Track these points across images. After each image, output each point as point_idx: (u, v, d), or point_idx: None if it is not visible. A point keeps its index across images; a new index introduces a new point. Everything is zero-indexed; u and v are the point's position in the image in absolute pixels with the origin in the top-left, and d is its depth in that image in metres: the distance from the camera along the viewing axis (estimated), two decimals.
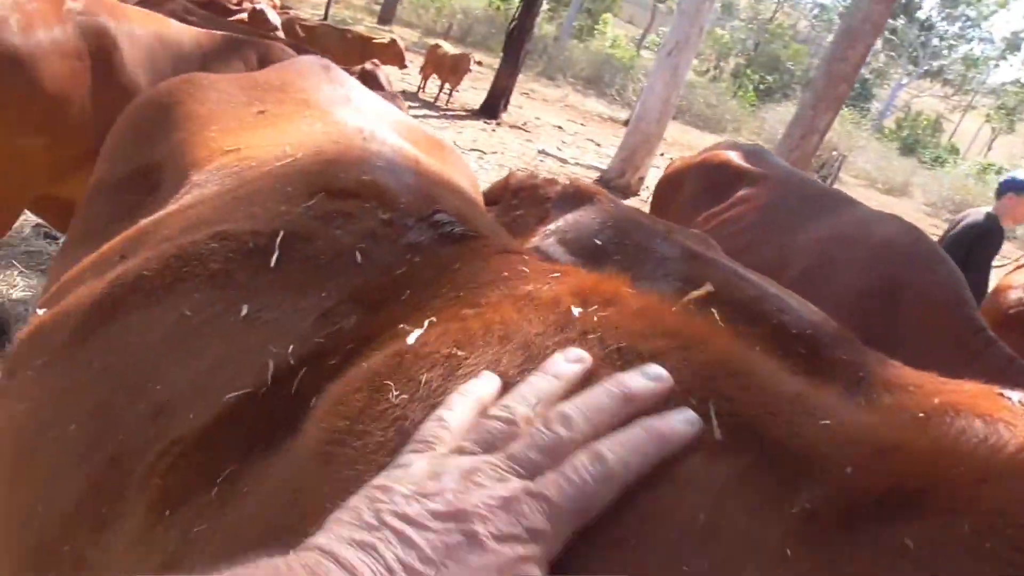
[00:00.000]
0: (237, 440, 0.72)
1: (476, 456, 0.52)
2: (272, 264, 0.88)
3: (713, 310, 0.73)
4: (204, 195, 1.10)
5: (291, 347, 0.76)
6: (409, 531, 0.46)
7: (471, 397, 0.58)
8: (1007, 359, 2.47)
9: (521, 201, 2.15)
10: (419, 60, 14.01)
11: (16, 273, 4.04)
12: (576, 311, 0.65)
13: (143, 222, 1.11)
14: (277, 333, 0.80)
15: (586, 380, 0.58)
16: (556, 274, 0.74)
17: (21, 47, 2.70)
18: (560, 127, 15.24)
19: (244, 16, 6.69)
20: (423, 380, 0.63)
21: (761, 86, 34.94)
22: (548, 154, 11.74)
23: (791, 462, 0.51)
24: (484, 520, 0.47)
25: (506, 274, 0.76)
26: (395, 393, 0.62)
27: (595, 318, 0.64)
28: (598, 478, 0.50)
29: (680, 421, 0.53)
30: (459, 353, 0.64)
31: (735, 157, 3.93)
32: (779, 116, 25.56)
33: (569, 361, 0.59)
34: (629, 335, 0.61)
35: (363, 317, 0.77)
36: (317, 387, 0.70)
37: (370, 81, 4.23)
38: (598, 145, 14.49)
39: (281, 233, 0.91)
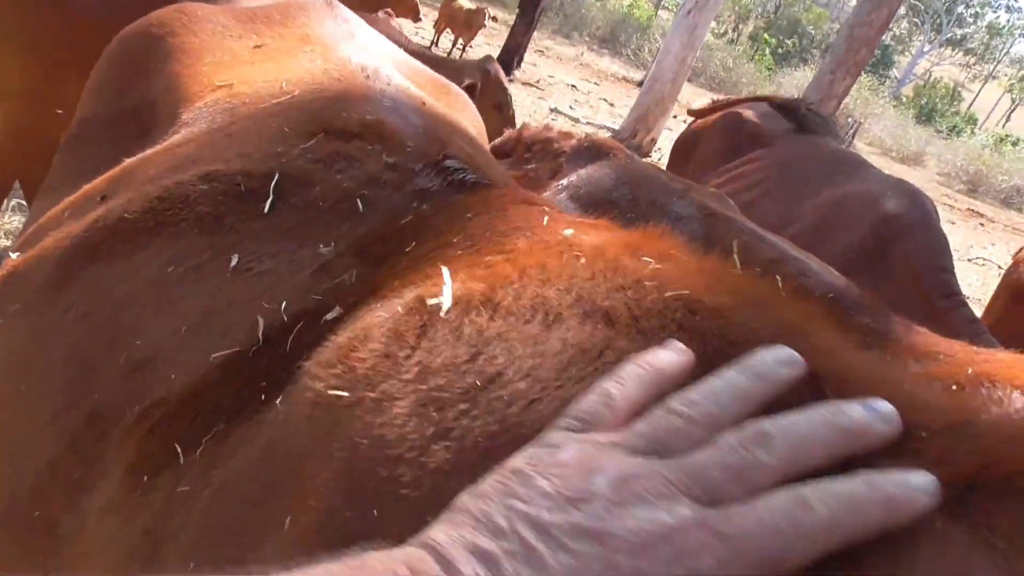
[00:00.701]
0: (224, 403, 0.65)
1: (644, 459, 0.41)
2: (265, 210, 0.80)
3: (777, 277, 0.66)
4: (193, 133, 1.01)
5: (284, 303, 0.68)
6: (542, 548, 0.37)
7: (649, 372, 0.46)
8: (968, 320, 2.62)
9: (534, 155, 2.06)
10: (433, 14, 13.72)
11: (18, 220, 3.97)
12: (629, 262, 0.58)
13: (127, 161, 1.02)
14: (270, 286, 0.73)
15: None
16: (587, 224, 0.66)
17: None
18: (573, 86, 14.97)
19: None
20: (450, 331, 0.55)
21: (779, 50, 34.29)
22: (560, 112, 11.54)
23: None
24: (635, 554, 0.36)
25: (528, 223, 0.68)
26: (408, 350, 0.55)
27: (649, 269, 0.57)
28: (799, 530, 0.38)
29: (918, 489, 0.39)
30: (495, 298, 0.56)
31: (752, 116, 3.84)
32: (796, 81, 25.13)
33: (779, 363, 0.46)
34: (693, 288, 0.54)
35: (365, 270, 0.69)
36: (315, 343, 0.63)
37: (380, 28, 4.12)
38: (611, 105, 14.26)
39: (276, 176, 0.83)
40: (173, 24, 1.44)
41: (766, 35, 35.17)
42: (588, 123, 11.63)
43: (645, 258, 0.58)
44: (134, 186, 0.93)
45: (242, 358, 0.67)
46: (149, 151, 1.02)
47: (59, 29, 2.77)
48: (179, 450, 0.66)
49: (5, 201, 4.16)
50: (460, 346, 0.53)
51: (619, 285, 0.55)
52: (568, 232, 0.64)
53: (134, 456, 0.68)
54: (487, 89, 4.28)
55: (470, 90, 4.00)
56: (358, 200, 0.78)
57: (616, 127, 11.39)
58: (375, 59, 1.33)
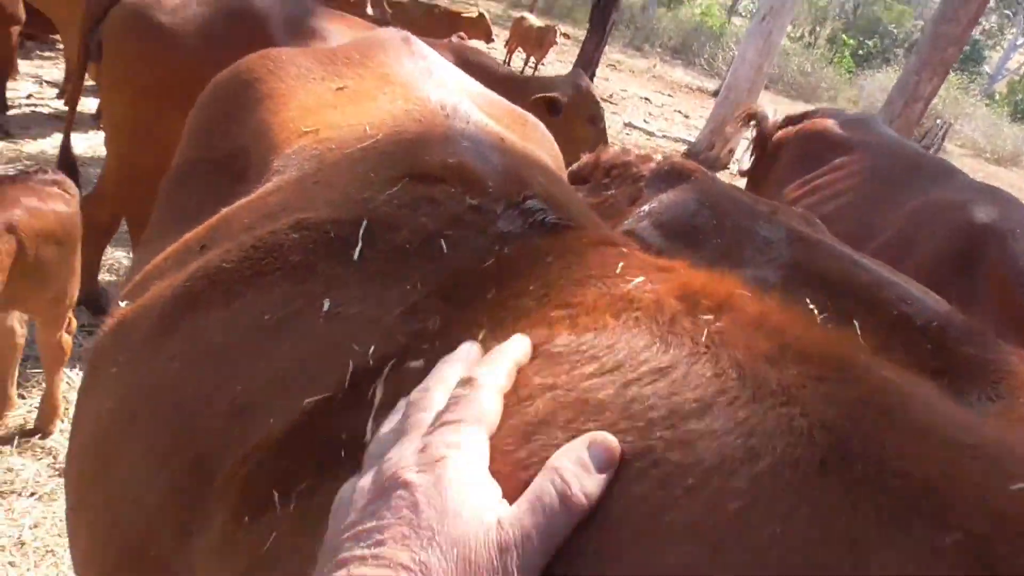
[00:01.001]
0: (312, 449, 0.67)
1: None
2: (355, 256, 0.82)
3: (855, 322, 0.62)
4: (283, 181, 1.05)
5: (372, 347, 0.70)
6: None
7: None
8: None
9: (613, 180, 2.04)
10: (504, 33, 13.87)
11: (122, 256, 4.18)
12: (686, 322, 0.56)
13: (224, 210, 1.07)
14: (359, 330, 0.74)
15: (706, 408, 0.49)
16: (658, 270, 0.65)
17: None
18: (647, 99, 14.87)
19: None
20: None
21: (860, 51, 33.23)
22: (634, 127, 11.47)
23: (941, 502, 0.43)
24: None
25: (602, 270, 0.67)
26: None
27: (707, 331, 0.55)
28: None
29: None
30: (538, 379, 0.57)
31: (834, 125, 3.73)
32: (879, 83, 24.29)
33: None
34: (752, 358, 0.52)
35: (448, 315, 0.70)
36: (397, 391, 0.64)
37: (470, 54, 4.19)
38: (686, 117, 14.09)
39: (364, 223, 0.85)
40: (259, 70, 1.50)
41: (845, 36, 34.15)
42: (663, 136, 11.52)
43: (705, 315, 0.57)
44: (231, 235, 0.97)
45: (330, 404, 0.69)
46: (244, 200, 1.06)
47: (164, 73, 2.94)
48: (276, 497, 0.67)
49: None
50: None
51: (673, 362, 0.53)
52: (636, 282, 0.64)
53: (236, 499, 0.70)
54: (580, 103, 4.27)
55: (556, 105, 4.00)
56: (441, 241, 0.79)
57: (692, 139, 11.24)
58: (453, 96, 1.36)
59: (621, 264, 0.68)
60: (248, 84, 1.47)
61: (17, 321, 2.68)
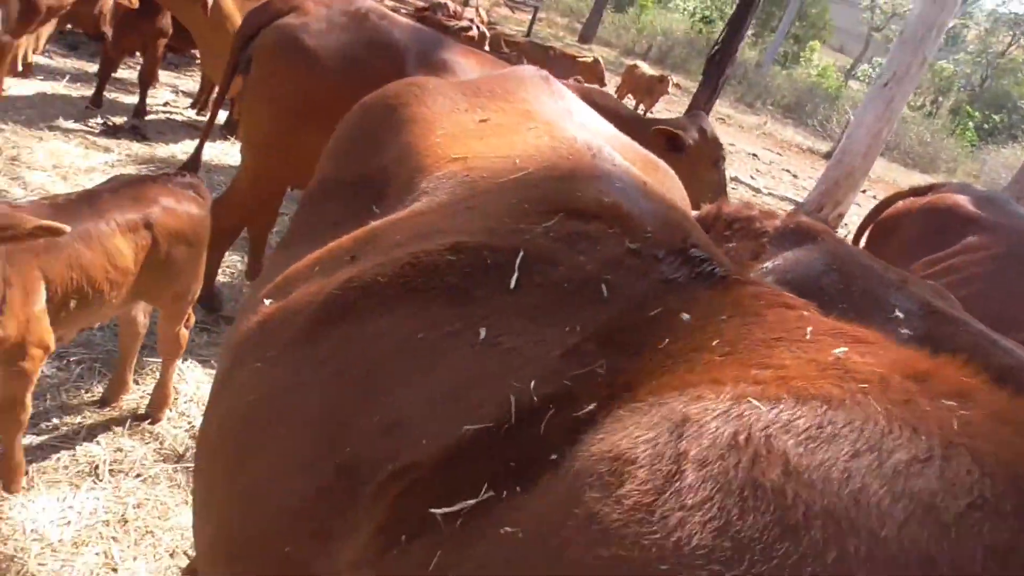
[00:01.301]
0: (477, 475, 0.68)
1: None
2: (512, 286, 0.84)
3: None
4: (435, 203, 1.08)
5: (533, 383, 0.71)
6: None
7: None
8: None
9: (735, 232, 2.02)
10: (616, 80, 13.97)
11: (237, 260, 4.38)
12: (924, 404, 0.54)
13: (373, 224, 1.11)
14: (518, 364, 0.75)
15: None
16: (855, 340, 0.63)
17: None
18: (755, 155, 14.66)
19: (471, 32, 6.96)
20: (733, 477, 0.52)
21: (984, 125, 31.93)
22: (741, 182, 11.31)
23: None
24: None
25: (788, 332, 0.66)
26: (693, 473, 0.53)
27: (954, 422, 0.52)
28: None
29: None
30: (791, 418, 0.54)
31: (965, 202, 3.55)
32: (1003, 159, 23.20)
33: None
34: (1016, 456, 0.49)
35: (615, 362, 0.70)
36: (570, 434, 0.64)
37: (597, 96, 4.24)
38: (795, 176, 13.80)
39: (521, 253, 0.87)
40: (407, 96, 1.57)
41: (969, 108, 32.90)
42: (770, 194, 11.31)
43: (945, 400, 0.54)
44: (381, 249, 1.00)
45: (494, 434, 0.69)
46: (393, 216, 1.10)
47: (305, 92, 3.12)
48: (439, 519, 0.68)
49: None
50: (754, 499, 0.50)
51: (923, 453, 0.50)
52: (842, 351, 0.62)
53: (385, 516, 0.71)
54: (705, 145, 4.24)
55: (678, 142, 3.99)
56: (602, 285, 0.80)
57: (799, 199, 10.98)
58: (596, 138, 1.38)
59: (809, 329, 0.67)
60: (395, 108, 1.53)
61: (141, 312, 2.84)
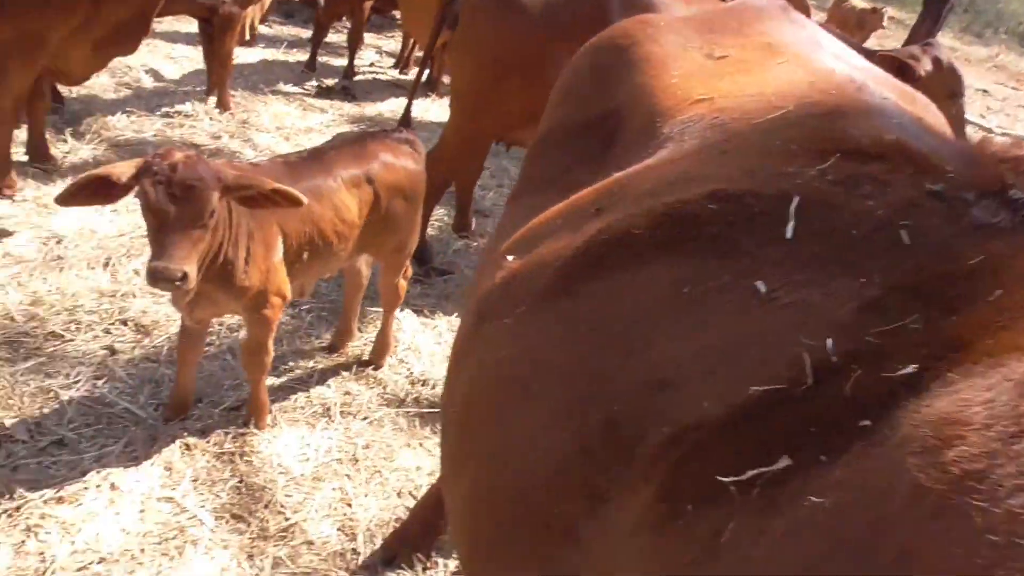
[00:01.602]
0: (769, 440, 0.62)
1: None
2: (787, 234, 0.76)
3: None
4: (683, 149, 1.02)
5: (830, 341, 0.64)
6: None
7: None
8: None
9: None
10: (820, 16, 12.89)
11: (443, 214, 4.54)
12: None
13: (617, 175, 1.06)
14: (806, 320, 0.68)
15: None
16: None
17: None
18: (985, 91, 13.04)
19: None
20: None
21: None
22: (969, 122, 10.12)
23: None
24: None
25: None
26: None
27: None
28: None
29: None
30: None
31: None
32: None
33: None
34: None
35: (933, 317, 0.62)
36: (885, 398, 0.57)
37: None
38: None
39: (796, 199, 0.79)
40: (637, 35, 1.49)
41: None
42: (1004, 134, 10.05)
43: None
44: (630, 200, 0.96)
45: (786, 397, 0.63)
46: (639, 165, 1.05)
47: (512, 45, 3.15)
48: (731, 488, 0.63)
49: None
50: None
51: None
52: None
53: (667, 480, 0.67)
54: (941, 76, 3.82)
55: (910, 74, 3.62)
56: (901, 231, 0.70)
57: None
58: (855, 70, 1.24)
59: None
60: (624, 48, 1.46)
61: (364, 264, 3.01)
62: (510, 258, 1.11)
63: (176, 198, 1.82)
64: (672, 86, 1.25)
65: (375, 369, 3.08)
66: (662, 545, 0.65)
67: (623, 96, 1.34)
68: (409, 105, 3.98)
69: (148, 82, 5.87)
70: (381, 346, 3.10)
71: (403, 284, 3.01)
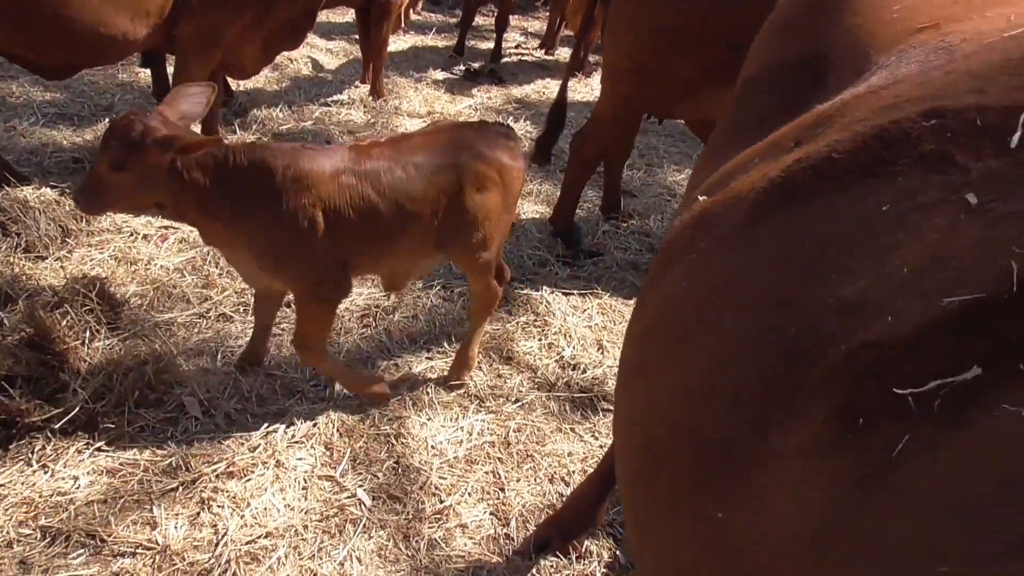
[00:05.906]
0: (959, 352, 0.62)
1: None
2: (1013, 144, 0.73)
3: None
4: (899, 74, 0.99)
5: None
6: None
7: None
8: None
9: None
10: None
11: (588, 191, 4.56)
12: None
13: (819, 107, 1.05)
14: (1019, 230, 0.66)
15: None
16: None
17: None
18: None
19: None
20: None
21: None
22: None
23: None
24: None
25: None
26: None
27: None
28: None
29: None
30: None
31: None
32: None
33: None
34: None
35: None
36: None
37: None
38: None
39: None
40: None
41: None
42: None
43: None
44: (835, 129, 0.94)
45: (985, 307, 0.62)
46: (846, 95, 1.02)
47: (669, 15, 3.16)
48: (909, 400, 0.63)
49: None
50: None
51: None
52: None
53: (841, 399, 0.68)
54: None
55: None
56: None
57: None
58: None
59: None
60: None
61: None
62: (701, 199, 1.11)
63: (104, 146, 2.25)
64: (891, 21, 1.22)
65: (455, 388, 2.96)
66: (828, 463, 0.66)
67: (833, 34, 1.31)
68: (564, 84, 4.02)
69: (307, 73, 6.28)
70: (460, 361, 2.98)
71: (496, 288, 2.87)
